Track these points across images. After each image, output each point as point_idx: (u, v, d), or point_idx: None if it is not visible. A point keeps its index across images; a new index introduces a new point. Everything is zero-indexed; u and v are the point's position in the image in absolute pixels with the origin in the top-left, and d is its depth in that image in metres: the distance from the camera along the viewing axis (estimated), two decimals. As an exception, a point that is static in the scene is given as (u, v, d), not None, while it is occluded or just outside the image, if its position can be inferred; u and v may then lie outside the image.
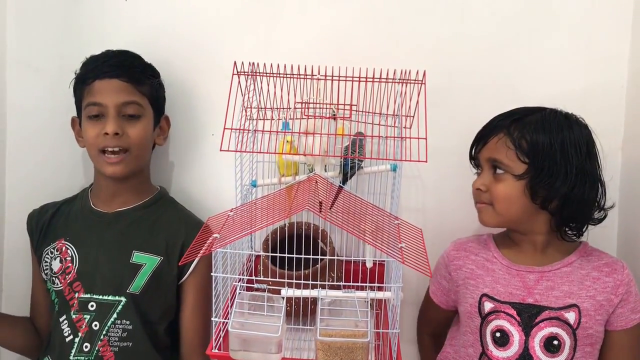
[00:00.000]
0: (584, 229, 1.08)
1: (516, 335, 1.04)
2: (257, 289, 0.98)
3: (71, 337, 1.14)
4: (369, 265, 1.13)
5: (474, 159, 1.12)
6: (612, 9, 1.24)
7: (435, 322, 1.24)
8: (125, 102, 1.17)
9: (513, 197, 1.03)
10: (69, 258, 1.17)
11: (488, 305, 1.07)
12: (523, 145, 1.03)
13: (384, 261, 1.18)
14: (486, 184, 1.06)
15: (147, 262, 1.16)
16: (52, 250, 1.20)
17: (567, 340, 1.03)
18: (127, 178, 1.20)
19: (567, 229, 1.08)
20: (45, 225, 1.23)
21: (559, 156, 1.01)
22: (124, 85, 1.17)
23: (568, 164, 1.01)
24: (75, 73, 1.21)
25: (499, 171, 1.05)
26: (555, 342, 1.03)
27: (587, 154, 1.03)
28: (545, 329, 1.03)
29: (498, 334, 1.05)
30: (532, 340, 1.03)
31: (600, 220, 1.07)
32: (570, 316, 1.03)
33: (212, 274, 0.95)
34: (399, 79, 1.13)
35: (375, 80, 1.12)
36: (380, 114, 1.15)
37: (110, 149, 1.16)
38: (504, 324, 1.05)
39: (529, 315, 1.04)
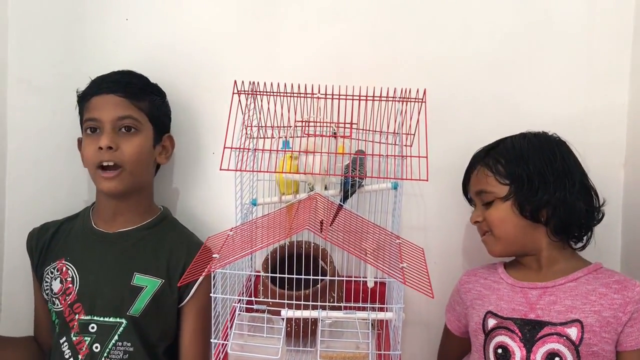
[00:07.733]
0: (585, 233, 1.09)
1: (517, 351, 1.03)
2: (257, 310, 0.97)
3: (71, 359, 1.12)
4: (370, 285, 1.12)
5: (469, 199, 1.17)
6: (613, 27, 1.24)
7: (454, 354, 1.23)
8: (121, 117, 1.16)
9: (505, 218, 1.07)
10: (70, 279, 1.16)
11: (491, 322, 1.07)
12: (500, 169, 1.08)
13: (385, 280, 1.17)
14: (480, 214, 1.11)
15: (148, 284, 1.15)
16: (52, 270, 1.19)
17: (570, 357, 1.01)
18: (127, 196, 1.19)
19: (569, 237, 1.09)
20: (46, 244, 1.22)
21: (532, 168, 1.06)
22: (119, 100, 1.17)
23: (545, 172, 1.05)
24: (77, 93, 1.22)
25: (487, 200, 1.09)
26: (557, 359, 1.01)
27: (561, 159, 1.07)
28: (546, 344, 1.02)
29: (500, 350, 1.05)
30: (533, 356, 1.02)
31: (598, 220, 1.09)
32: (572, 332, 1.01)
33: (211, 294, 0.94)
34: (400, 98, 1.13)
35: (375, 98, 1.12)
36: (381, 132, 1.15)
37: (105, 164, 1.15)
38: (505, 340, 1.05)
39: (530, 331, 1.03)
